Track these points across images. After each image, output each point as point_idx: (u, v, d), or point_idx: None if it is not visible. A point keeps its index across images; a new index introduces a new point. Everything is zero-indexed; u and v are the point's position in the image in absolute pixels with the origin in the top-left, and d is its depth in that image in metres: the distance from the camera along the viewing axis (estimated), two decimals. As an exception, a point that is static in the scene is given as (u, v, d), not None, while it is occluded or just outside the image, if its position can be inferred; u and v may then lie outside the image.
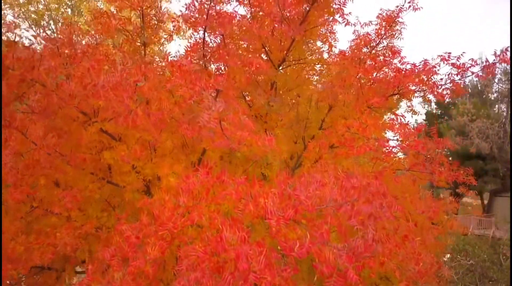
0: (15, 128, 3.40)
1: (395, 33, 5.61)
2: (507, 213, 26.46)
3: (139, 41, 4.83)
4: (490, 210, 28.47)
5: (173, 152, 5.10)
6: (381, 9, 5.54)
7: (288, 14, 4.20)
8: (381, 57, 6.17)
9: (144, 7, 4.59)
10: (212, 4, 3.86)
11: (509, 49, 4.94)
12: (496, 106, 39.96)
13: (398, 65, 5.34)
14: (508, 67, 35.33)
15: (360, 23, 5.78)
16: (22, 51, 2.78)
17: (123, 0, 4.57)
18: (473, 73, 5.09)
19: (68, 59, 3.26)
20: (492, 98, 40.87)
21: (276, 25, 4.28)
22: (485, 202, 37.27)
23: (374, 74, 5.30)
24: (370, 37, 5.67)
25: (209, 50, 4.17)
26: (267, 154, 4.49)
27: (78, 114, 3.74)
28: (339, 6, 4.84)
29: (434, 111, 45.45)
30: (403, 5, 5.35)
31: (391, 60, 5.12)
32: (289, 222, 3.48)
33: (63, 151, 3.89)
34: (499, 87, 40.05)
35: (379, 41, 5.65)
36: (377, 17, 5.74)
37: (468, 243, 5.71)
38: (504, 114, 37.31)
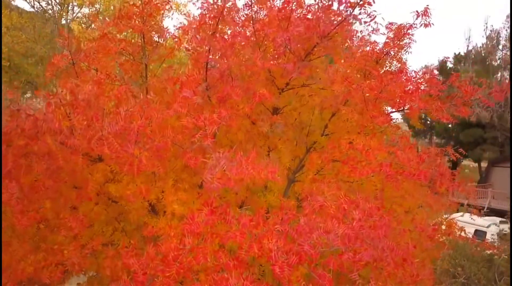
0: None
1: (404, 46, 5.47)
2: (504, 184, 26.86)
3: (140, 61, 4.74)
4: (488, 180, 28.87)
5: (177, 172, 5.13)
6: (390, 23, 5.37)
7: (292, 46, 4.09)
8: (388, 65, 6.07)
9: (145, 31, 4.47)
10: (213, 39, 3.75)
11: None
12: (499, 73, 39.55)
13: (404, 78, 5.26)
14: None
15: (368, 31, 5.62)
16: (26, 120, 2.74)
17: (125, 24, 4.44)
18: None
19: (71, 108, 3.22)
20: (495, 65, 40.38)
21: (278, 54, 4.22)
22: (483, 169, 37.67)
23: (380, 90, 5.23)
24: (378, 47, 5.53)
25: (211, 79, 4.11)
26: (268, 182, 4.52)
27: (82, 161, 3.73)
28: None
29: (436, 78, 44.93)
30: (413, 23, 5.19)
31: (397, 77, 5.03)
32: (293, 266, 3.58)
33: (66, 193, 3.93)
34: (503, 53, 39.43)
35: (387, 51, 5.52)
36: (387, 27, 5.57)
37: (465, 255, 5.87)
38: (507, 81, 37.01)
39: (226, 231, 3.78)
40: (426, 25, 5.16)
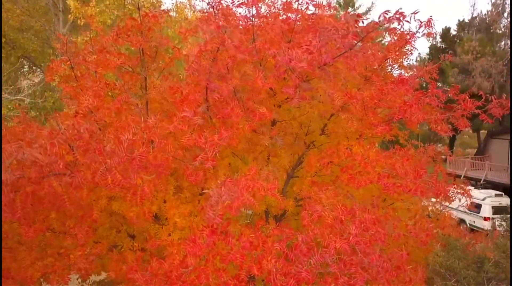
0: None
1: (407, 53, 5.40)
2: (502, 156, 27.06)
3: (140, 73, 4.71)
4: (486, 152, 29.05)
5: (178, 178, 5.22)
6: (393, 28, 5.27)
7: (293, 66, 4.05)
8: (389, 68, 6.03)
9: (144, 45, 4.42)
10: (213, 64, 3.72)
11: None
12: (503, 42, 38.89)
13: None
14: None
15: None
16: (31, 167, 2.79)
17: (123, 39, 4.37)
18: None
19: (74, 143, 3.26)
20: (500, 33, 39.62)
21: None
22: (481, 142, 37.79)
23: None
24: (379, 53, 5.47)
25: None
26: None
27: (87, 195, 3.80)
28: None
29: (438, 45, 44.28)
30: (416, 31, 5.09)
31: (398, 87, 5.02)
32: None
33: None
34: (507, 21, 38.59)
35: (388, 57, 5.47)
36: (389, 31, 5.48)
37: (457, 256, 6.06)
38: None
39: (227, 251, 3.92)
40: (429, 35, 5.09)
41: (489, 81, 34.02)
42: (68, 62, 5.45)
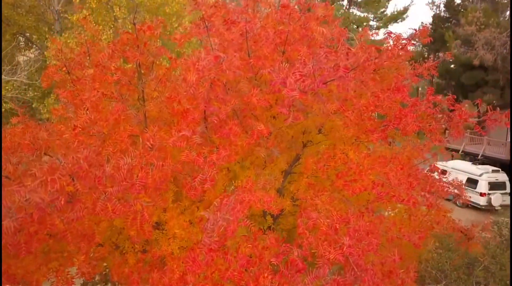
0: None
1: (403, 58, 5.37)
2: (501, 130, 27.10)
3: (137, 86, 4.72)
4: (484, 126, 29.00)
5: (177, 183, 5.33)
6: (389, 33, 5.22)
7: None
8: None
9: (140, 59, 4.40)
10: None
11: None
12: (507, 12, 38.06)
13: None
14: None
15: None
16: (34, 206, 2.87)
17: (119, 55, 4.34)
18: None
19: (75, 174, 3.33)
20: (505, 2, 38.72)
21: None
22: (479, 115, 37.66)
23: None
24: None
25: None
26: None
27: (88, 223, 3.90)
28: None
29: (442, 14, 43.39)
30: (411, 39, 5.04)
31: (394, 94, 5.03)
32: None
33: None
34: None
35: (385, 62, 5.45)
36: (388, 34, 5.43)
37: (449, 258, 6.24)
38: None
39: (225, 267, 4.07)
40: (425, 41, 5.07)
41: (491, 54, 33.61)
42: (64, 68, 5.45)
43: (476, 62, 32.95)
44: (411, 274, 5.54)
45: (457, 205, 18.51)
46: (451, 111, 5.36)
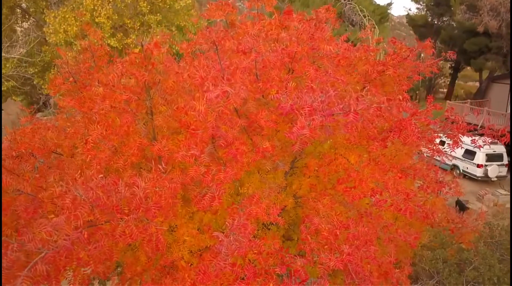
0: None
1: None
2: (501, 101, 27.22)
3: (145, 101, 4.87)
4: (485, 96, 29.12)
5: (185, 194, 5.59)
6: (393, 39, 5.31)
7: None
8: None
9: (148, 78, 4.52)
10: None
11: None
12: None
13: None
14: None
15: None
16: (37, 246, 3.11)
17: (127, 76, 4.46)
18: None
19: (93, 202, 3.56)
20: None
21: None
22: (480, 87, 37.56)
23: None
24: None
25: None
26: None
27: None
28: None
29: (447, -23, 42.20)
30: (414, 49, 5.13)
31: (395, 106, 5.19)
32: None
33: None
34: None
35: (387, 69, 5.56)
36: (391, 41, 5.52)
37: (443, 256, 6.56)
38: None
39: (233, 278, 4.41)
40: (429, 52, 5.17)
41: (496, 20, 33.04)
42: (71, 79, 5.59)
43: (480, 28, 32.48)
44: (405, 272, 5.93)
45: (454, 176, 18.94)
46: (452, 123, 5.53)
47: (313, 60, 5.11)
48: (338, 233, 5.18)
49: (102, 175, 4.49)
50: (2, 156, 5.63)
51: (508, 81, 26.64)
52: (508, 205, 20.24)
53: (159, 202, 4.01)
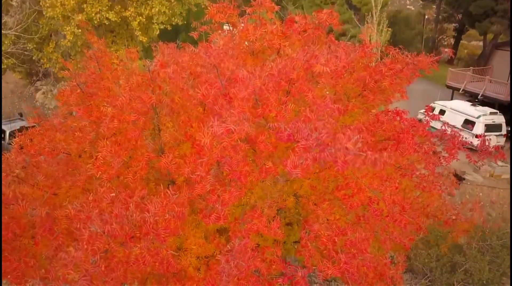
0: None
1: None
2: (504, 69, 26.97)
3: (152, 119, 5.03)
4: (488, 63, 28.81)
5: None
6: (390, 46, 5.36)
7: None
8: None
9: (155, 100, 4.65)
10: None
11: None
12: None
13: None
14: None
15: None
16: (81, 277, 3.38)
17: (135, 100, 4.56)
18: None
19: (107, 232, 3.80)
20: None
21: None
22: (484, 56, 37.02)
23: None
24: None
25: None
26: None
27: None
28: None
29: None
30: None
31: (393, 118, 5.35)
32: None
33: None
34: None
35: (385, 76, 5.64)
36: (387, 49, 5.57)
37: (437, 256, 6.87)
38: None
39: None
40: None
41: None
42: (79, 90, 5.71)
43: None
44: (400, 270, 6.30)
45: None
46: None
47: (311, 75, 5.22)
48: (336, 240, 5.50)
49: (113, 194, 4.74)
50: (12, 167, 5.83)
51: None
52: (504, 176, 20.69)
53: (168, 227, 4.28)
